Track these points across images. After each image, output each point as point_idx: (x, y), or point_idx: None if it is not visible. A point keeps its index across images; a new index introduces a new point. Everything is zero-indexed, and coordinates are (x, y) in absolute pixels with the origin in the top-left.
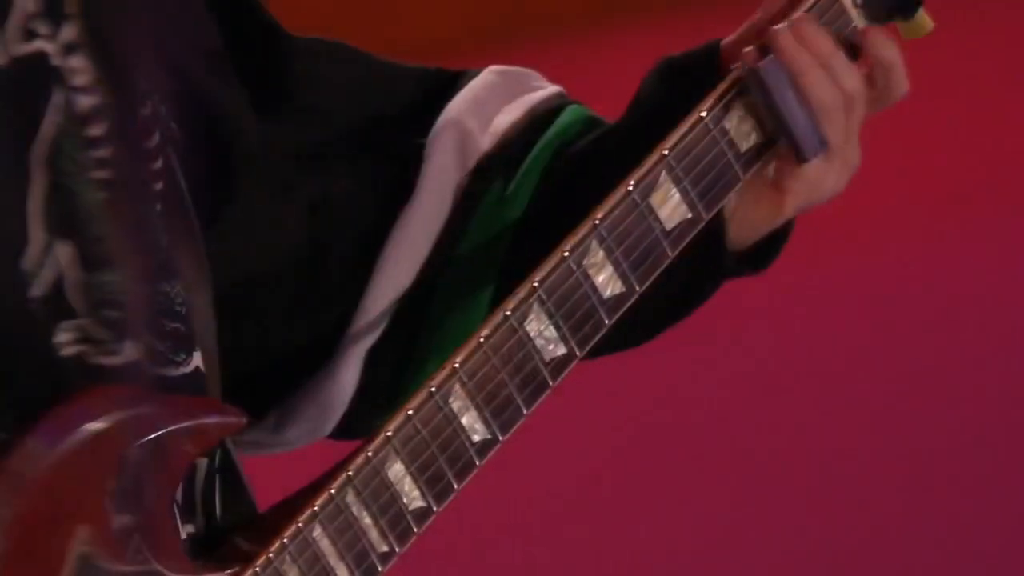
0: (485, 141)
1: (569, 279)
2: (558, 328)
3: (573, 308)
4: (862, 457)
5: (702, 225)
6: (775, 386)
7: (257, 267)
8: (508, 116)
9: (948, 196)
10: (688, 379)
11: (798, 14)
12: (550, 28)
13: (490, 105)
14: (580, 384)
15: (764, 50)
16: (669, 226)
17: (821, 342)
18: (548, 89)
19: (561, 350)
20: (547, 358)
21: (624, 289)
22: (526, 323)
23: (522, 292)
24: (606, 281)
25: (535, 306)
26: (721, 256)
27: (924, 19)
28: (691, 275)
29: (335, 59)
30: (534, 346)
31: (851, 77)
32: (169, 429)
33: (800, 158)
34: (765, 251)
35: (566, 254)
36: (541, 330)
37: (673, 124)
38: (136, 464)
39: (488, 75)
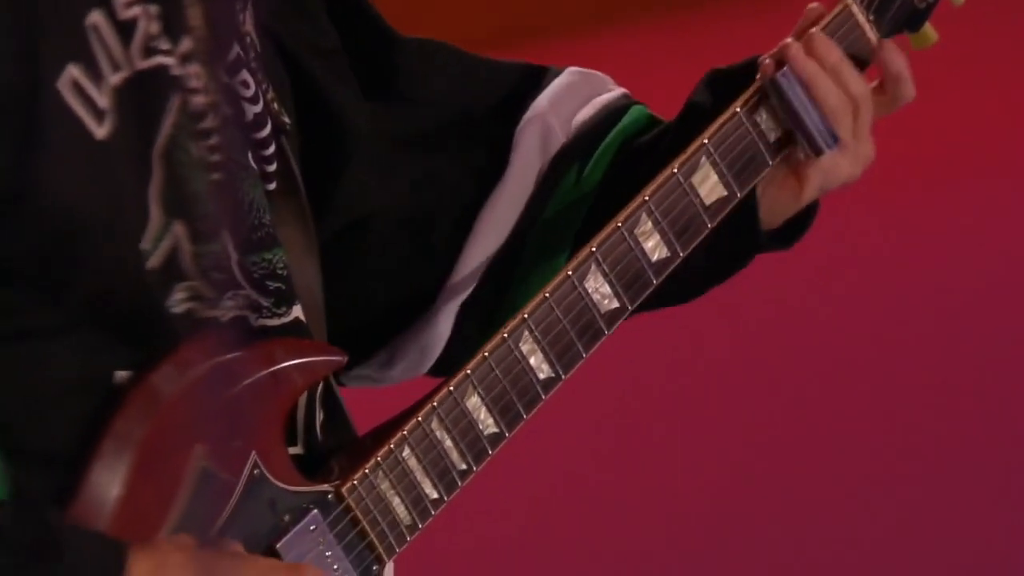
0: (561, 134)
1: (621, 244)
2: (612, 285)
3: (625, 269)
4: (863, 457)
5: (736, 202)
6: (775, 385)
7: (366, 237)
8: (585, 113)
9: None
10: (689, 373)
11: (813, 30)
12: (567, 28)
13: (569, 104)
14: (579, 383)
15: (781, 62)
16: (708, 201)
17: (821, 340)
18: (616, 91)
19: (615, 304)
20: (603, 311)
21: (669, 254)
22: (585, 281)
23: (582, 255)
24: (654, 247)
25: (592, 267)
26: (756, 231)
27: (929, 31)
28: (730, 247)
29: (439, 57)
30: (591, 300)
31: (857, 83)
32: (282, 365)
33: (815, 151)
34: (790, 231)
35: (619, 224)
36: (597, 287)
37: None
38: (252, 393)
39: (569, 75)
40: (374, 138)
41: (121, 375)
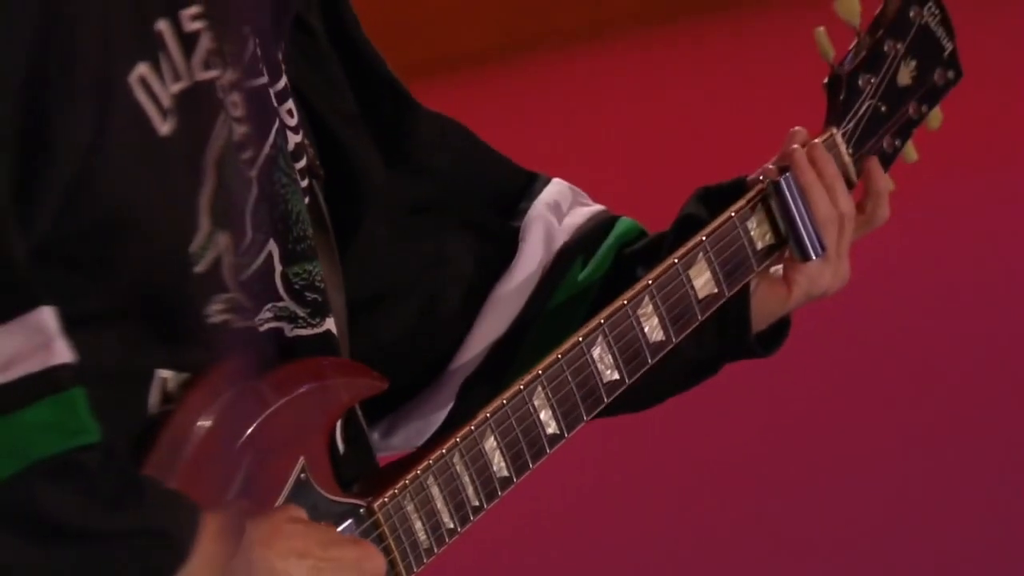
0: (561, 234)
1: (625, 321)
2: (614, 357)
3: (627, 344)
4: (864, 457)
5: (724, 300)
6: (774, 385)
7: (379, 291)
8: (575, 219)
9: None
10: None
11: (813, 142)
12: (572, 42)
13: (562, 208)
14: None
15: (783, 169)
16: (701, 295)
17: (821, 340)
18: (597, 205)
19: (615, 376)
20: (604, 380)
21: (664, 338)
22: (592, 349)
23: (591, 325)
24: (652, 328)
25: (599, 338)
26: (746, 330)
27: (911, 150)
28: (720, 346)
29: (451, 133)
30: (596, 368)
31: (846, 200)
32: (333, 380)
33: (804, 257)
34: (772, 338)
35: (625, 302)
36: (602, 356)
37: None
38: (304, 403)
39: (557, 184)
40: (391, 200)
41: (163, 374)
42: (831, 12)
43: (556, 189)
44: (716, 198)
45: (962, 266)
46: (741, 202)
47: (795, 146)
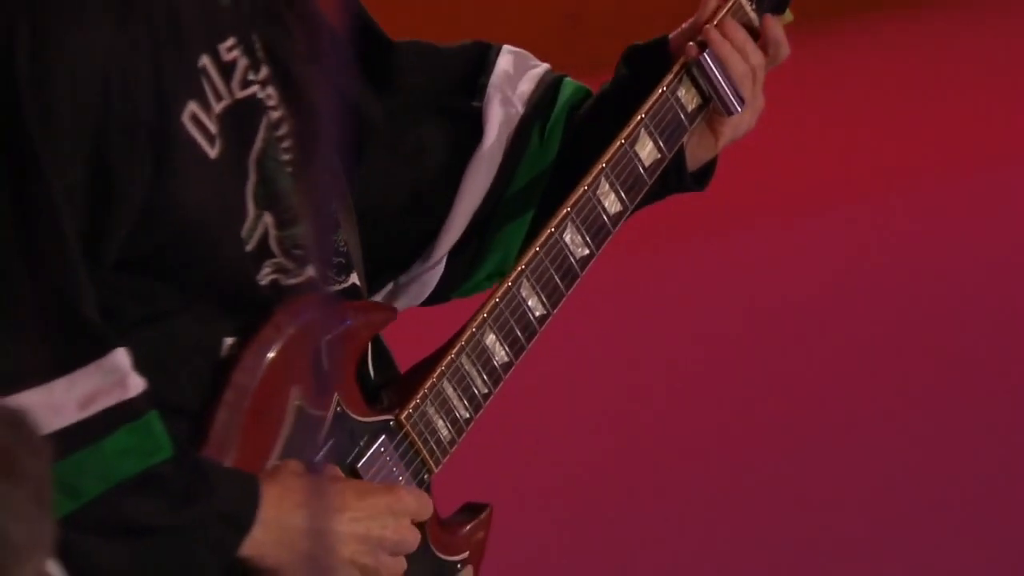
0: (519, 105)
1: (587, 206)
2: (583, 236)
3: (592, 222)
4: (864, 458)
5: (667, 161)
6: (775, 384)
7: (381, 201)
8: (526, 85)
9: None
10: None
11: (722, 16)
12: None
13: (514, 77)
14: (580, 384)
15: (701, 44)
16: (647, 163)
17: (821, 341)
18: (542, 65)
19: (586, 251)
20: (577, 257)
21: (622, 207)
22: (563, 235)
23: (560, 215)
24: (611, 203)
25: (568, 224)
26: (683, 175)
27: (788, 14)
28: (662, 189)
29: (416, 51)
30: (569, 250)
31: (756, 55)
32: (352, 322)
33: (729, 113)
34: (704, 175)
35: (586, 188)
36: (573, 238)
37: (639, 91)
38: (331, 346)
39: (507, 54)
40: (384, 125)
41: (228, 341)
42: None
43: (506, 59)
44: (640, 57)
45: (962, 266)
46: (669, 76)
47: (709, 26)
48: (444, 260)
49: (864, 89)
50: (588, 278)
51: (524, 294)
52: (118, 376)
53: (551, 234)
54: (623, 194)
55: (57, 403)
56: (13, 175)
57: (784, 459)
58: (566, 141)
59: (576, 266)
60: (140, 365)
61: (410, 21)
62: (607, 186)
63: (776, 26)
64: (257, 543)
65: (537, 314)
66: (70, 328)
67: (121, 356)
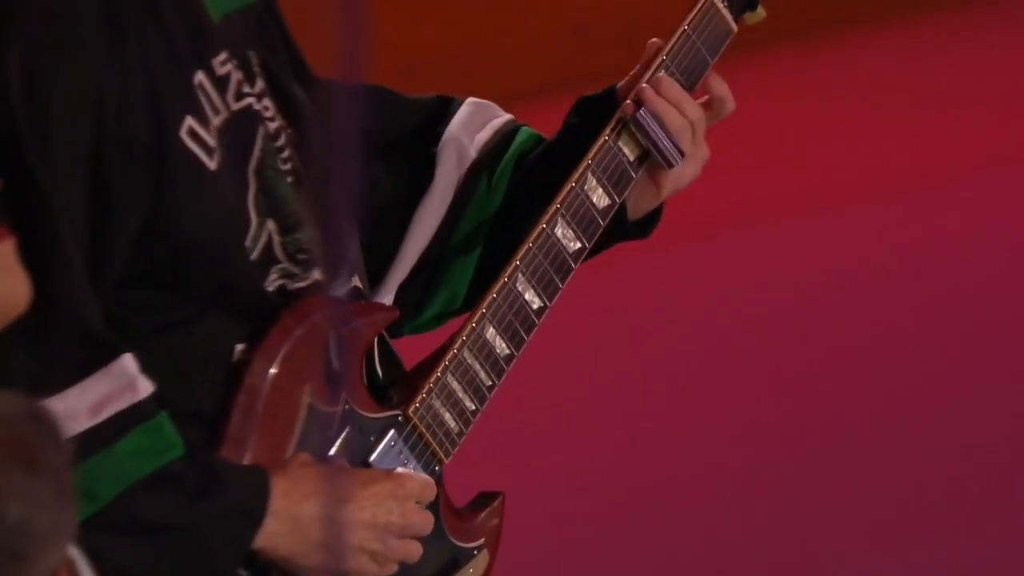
0: (472, 151)
1: (547, 243)
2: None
3: (553, 260)
4: (867, 457)
5: (617, 205)
6: (775, 385)
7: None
8: (484, 134)
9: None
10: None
11: (659, 74)
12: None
13: (473, 127)
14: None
15: (637, 101)
16: (600, 206)
17: (822, 341)
18: (505, 116)
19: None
20: (570, 250)
21: (580, 245)
22: (518, 285)
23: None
24: (568, 240)
25: (521, 270)
26: (624, 223)
27: (761, 11)
28: (603, 235)
29: (379, 95)
30: (561, 244)
31: (693, 109)
32: (355, 323)
33: (669, 166)
34: (647, 223)
35: (544, 226)
36: (565, 233)
37: (587, 140)
38: (339, 344)
39: (468, 105)
40: None
41: (239, 347)
42: None
43: (468, 109)
44: (590, 108)
45: (962, 267)
46: (609, 126)
47: (643, 84)
48: (393, 295)
49: (859, 95)
50: (591, 273)
51: (520, 288)
52: (127, 380)
53: (506, 281)
54: (580, 233)
55: (71, 410)
56: (15, 198)
57: (787, 457)
58: (512, 185)
59: (571, 260)
60: (155, 373)
61: (421, 34)
62: (563, 225)
63: (720, 84)
64: (270, 534)
65: (535, 307)
66: (78, 338)
67: (128, 361)
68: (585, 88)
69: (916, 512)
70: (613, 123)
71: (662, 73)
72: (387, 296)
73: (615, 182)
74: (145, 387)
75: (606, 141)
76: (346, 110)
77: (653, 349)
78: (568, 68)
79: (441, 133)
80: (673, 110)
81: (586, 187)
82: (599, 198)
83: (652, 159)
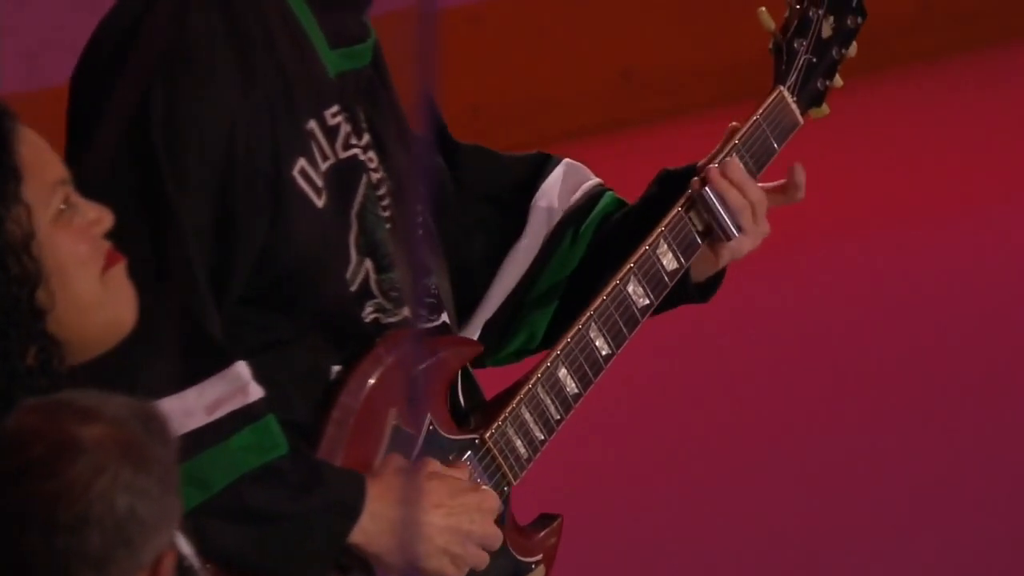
0: (561, 209)
1: (618, 297)
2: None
3: (623, 314)
4: (868, 458)
5: (684, 269)
6: (777, 385)
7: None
8: (574, 197)
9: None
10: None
11: (729, 157)
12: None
13: (565, 187)
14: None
15: (704, 180)
16: (669, 268)
17: (824, 343)
18: (594, 179)
19: (645, 301)
20: (639, 305)
21: (648, 302)
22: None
23: (593, 307)
24: (638, 296)
25: (594, 319)
26: (688, 288)
27: (825, 107)
28: (667, 297)
29: (480, 155)
30: (631, 301)
31: (754, 191)
32: (445, 352)
33: (727, 238)
34: (708, 288)
35: (617, 282)
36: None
37: (663, 209)
38: (426, 372)
39: (564, 165)
40: (453, 200)
41: (335, 368)
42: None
43: (563, 170)
44: (671, 180)
45: (962, 267)
46: (680, 200)
47: (711, 165)
48: (479, 331)
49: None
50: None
51: (592, 335)
52: (240, 384)
53: (577, 331)
54: (649, 291)
55: (189, 408)
56: (151, 220)
57: (784, 460)
58: (593, 243)
59: (639, 314)
60: (261, 383)
61: (484, 81)
62: (635, 283)
63: (800, 174)
64: (364, 531)
65: (603, 353)
66: (199, 345)
67: (242, 367)
68: (630, 129)
69: (922, 516)
70: (685, 197)
71: (733, 156)
72: (474, 332)
73: (684, 248)
74: (256, 391)
75: (679, 212)
76: (420, 158)
77: (654, 347)
78: (615, 110)
79: (537, 187)
80: (735, 191)
81: (658, 251)
82: (668, 261)
83: (714, 232)
